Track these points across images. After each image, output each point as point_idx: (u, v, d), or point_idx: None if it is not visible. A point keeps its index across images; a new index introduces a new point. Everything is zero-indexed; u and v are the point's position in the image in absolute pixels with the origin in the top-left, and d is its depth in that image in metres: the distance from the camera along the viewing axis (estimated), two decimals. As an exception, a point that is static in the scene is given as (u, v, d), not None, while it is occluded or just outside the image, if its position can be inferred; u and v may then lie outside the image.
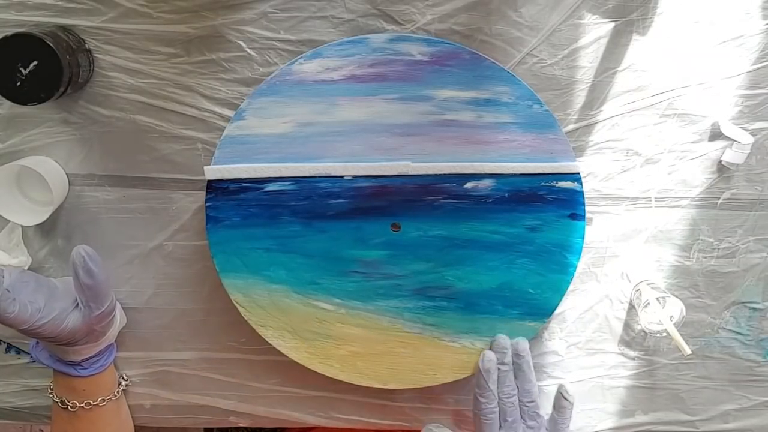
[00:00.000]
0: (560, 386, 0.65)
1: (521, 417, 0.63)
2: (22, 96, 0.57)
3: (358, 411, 0.71)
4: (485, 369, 0.62)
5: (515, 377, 0.64)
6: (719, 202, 0.67)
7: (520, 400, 0.63)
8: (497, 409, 0.63)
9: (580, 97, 0.64)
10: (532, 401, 0.63)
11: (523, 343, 0.64)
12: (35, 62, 0.56)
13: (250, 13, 0.61)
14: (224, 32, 0.61)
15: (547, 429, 0.65)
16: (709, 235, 0.68)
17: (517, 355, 0.63)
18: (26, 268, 0.66)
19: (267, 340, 0.65)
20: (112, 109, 0.63)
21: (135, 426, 0.72)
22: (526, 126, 0.61)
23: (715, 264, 0.69)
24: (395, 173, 0.62)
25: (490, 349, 0.64)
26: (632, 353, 0.71)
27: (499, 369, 0.63)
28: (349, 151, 0.62)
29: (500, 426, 0.63)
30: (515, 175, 0.62)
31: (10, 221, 0.63)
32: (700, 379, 0.72)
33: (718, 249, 0.69)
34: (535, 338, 0.69)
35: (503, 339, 0.64)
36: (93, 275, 0.59)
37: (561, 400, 0.65)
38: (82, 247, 0.58)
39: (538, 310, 0.65)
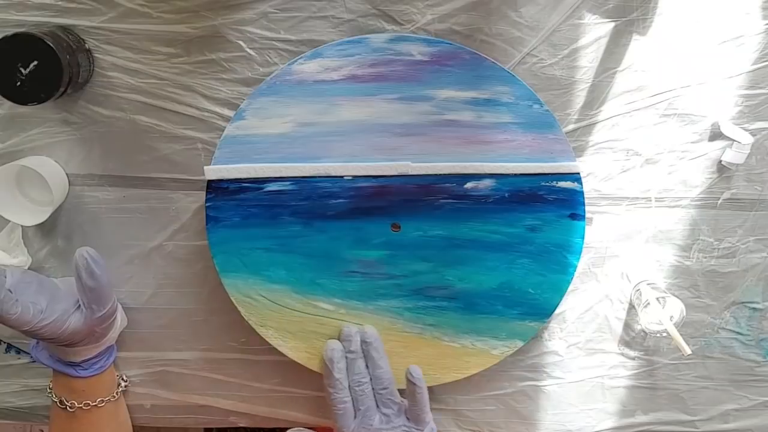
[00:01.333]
0: (407, 369, 0.62)
1: (376, 405, 0.62)
2: (22, 96, 0.57)
3: (358, 411, 0.71)
4: (328, 358, 0.61)
5: (366, 365, 0.62)
6: (719, 202, 0.67)
7: (373, 388, 0.62)
8: (349, 399, 0.61)
9: (580, 97, 0.64)
10: (385, 388, 0.62)
11: (370, 329, 0.63)
12: (35, 62, 0.56)
13: (250, 13, 0.61)
14: (224, 32, 0.61)
15: (407, 417, 0.62)
16: (709, 235, 0.68)
17: (364, 342, 0.62)
18: (26, 268, 0.66)
19: (267, 340, 0.65)
20: (112, 109, 0.63)
21: (135, 426, 0.72)
22: (526, 126, 0.61)
23: (715, 264, 0.69)
24: (395, 173, 0.62)
25: (338, 338, 0.63)
26: (632, 353, 0.71)
27: (347, 358, 0.62)
28: (349, 151, 0.62)
29: (355, 416, 0.61)
30: (515, 175, 0.62)
31: (10, 221, 0.63)
32: (700, 379, 0.72)
33: (718, 249, 0.69)
34: (535, 338, 0.69)
35: (348, 327, 0.63)
36: (96, 277, 0.59)
37: (410, 385, 0.62)
38: (86, 249, 0.58)
39: (538, 310, 0.65)
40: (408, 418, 0.63)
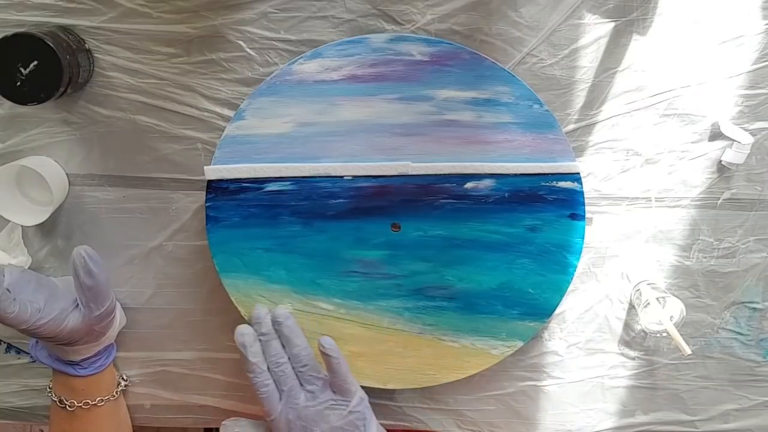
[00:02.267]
0: (319, 341, 0.60)
1: (300, 384, 0.61)
2: (22, 96, 0.57)
3: (358, 411, 0.71)
4: (240, 343, 0.60)
5: (283, 346, 0.61)
6: (719, 202, 0.67)
7: (293, 367, 0.61)
8: (270, 381, 0.60)
9: (580, 97, 0.64)
10: (305, 365, 0.60)
11: (280, 309, 0.62)
12: (35, 62, 0.56)
13: (250, 13, 0.61)
14: (224, 32, 0.61)
15: (333, 390, 0.60)
16: (709, 235, 0.68)
17: (275, 322, 0.61)
18: (26, 267, 0.66)
19: (267, 340, 0.65)
20: (112, 109, 0.63)
21: (135, 426, 0.72)
22: (526, 126, 0.61)
23: (715, 264, 0.69)
24: (395, 173, 0.62)
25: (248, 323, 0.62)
26: (632, 353, 0.71)
27: (261, 340, 0.61)
28: (349, 151, 0.62)
29: (280, 397, 0.60)
30: (515, 175, 0.62)
31: (10, 221, 0.63)
32: (700, 379, 0.72)
33: (718, 249, 0.69)
34: (535, 338, 0.69)
35: (258, 309, 0.62)
36: (93, 276, 0.59)
37: (324, 357, 0.60)
38: (83, 248, 0.58)
39: (538, 310, 0.65)
40: (334, 392, 0.61)
